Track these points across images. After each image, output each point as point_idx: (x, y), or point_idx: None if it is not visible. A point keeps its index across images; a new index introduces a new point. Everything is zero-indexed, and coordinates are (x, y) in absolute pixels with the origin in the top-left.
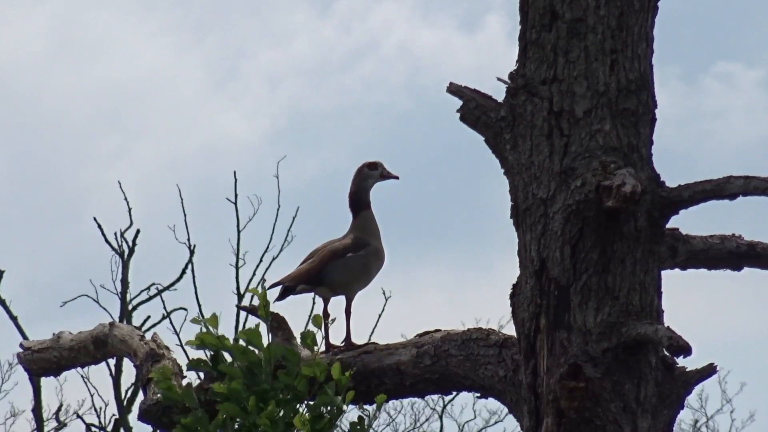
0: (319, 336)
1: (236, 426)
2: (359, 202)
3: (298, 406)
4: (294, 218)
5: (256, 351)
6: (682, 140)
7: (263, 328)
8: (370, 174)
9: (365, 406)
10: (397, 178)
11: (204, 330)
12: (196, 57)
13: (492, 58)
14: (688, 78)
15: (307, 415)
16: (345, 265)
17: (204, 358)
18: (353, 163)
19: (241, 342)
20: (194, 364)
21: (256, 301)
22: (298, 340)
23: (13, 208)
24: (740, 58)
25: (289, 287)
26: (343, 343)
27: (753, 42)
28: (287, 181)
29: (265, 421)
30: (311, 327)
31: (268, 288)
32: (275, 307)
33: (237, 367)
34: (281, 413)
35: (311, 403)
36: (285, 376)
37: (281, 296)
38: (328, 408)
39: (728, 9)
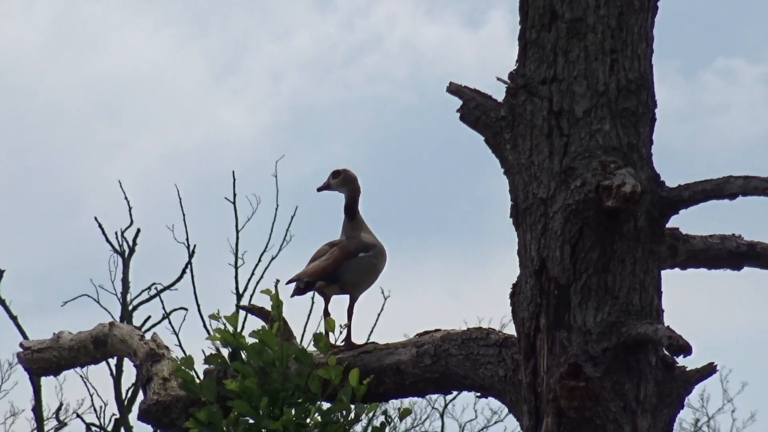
0: (332, 338)
1: (246, 425)
2: (355, 206)
3: (309, 406)
4: (292, 218)
5: (270, 351)
6: (683, 136)
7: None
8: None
9: (388, 413)
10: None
11: (222, 327)
12: (196, 51)
13: (495, 54)
14: (689, 73)
15: (318, 418)
16: (357, 265)
17: (221, 354)
18: (353, 161)
19: (250, 341)
20: (212, 359)
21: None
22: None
23: (10, 203)
24: (742, 54)
25: (309, 283)
26: (343, 343)
27: (755, 38)
28: (287, 179)
29: (277, 426)
30: (322, 329)
31: (286, 284)
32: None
33: (250, 366)
34: (293, 414)
35: (324, 406)
36: (296, 377)
37: (302, 291)
38: (343, 413)
39: (730, 5)
